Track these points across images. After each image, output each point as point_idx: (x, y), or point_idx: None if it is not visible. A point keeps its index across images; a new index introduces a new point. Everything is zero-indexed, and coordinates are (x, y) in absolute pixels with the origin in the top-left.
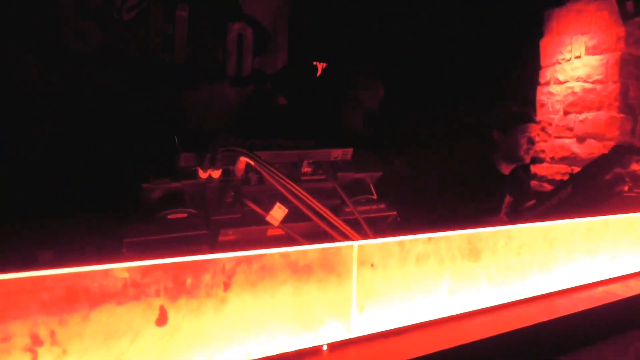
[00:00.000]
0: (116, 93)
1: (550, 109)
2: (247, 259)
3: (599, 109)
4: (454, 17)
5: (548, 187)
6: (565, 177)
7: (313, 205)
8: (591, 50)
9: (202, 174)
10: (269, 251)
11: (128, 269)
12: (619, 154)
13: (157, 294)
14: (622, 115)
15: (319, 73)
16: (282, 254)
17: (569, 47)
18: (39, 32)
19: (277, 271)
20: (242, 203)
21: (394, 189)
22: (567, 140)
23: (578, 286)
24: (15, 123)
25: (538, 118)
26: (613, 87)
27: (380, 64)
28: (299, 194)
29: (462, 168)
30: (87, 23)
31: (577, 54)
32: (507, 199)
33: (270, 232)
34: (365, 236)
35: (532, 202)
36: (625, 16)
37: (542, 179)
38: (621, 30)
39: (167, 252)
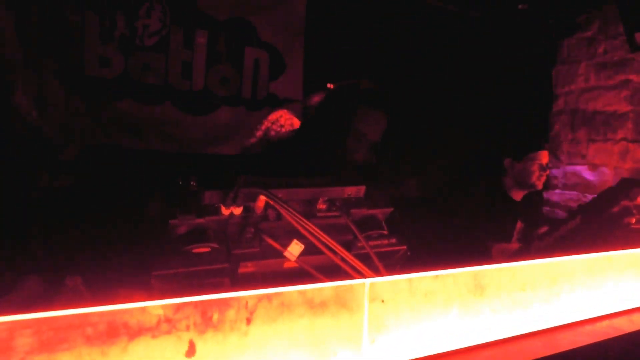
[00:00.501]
0: (136, 119)
1: (563, 136)
2: (268, 296)
3: (612, 136)
4: (468, 45)
5: (560, 213)
6: (577, 204)
7: (327, 242)
8: (602, 79)
9: (225, 211)
10: (288, 289)
11: (162, 306)
12: (626, 187)
13: (187, 328)
14: (635, 143)
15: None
16: (299, 292)
17: (581, 76)
18: (64, 59)
19: (295, 307)
20: (261, 239)
21: (407, 211)
22: (579, 167)
23: (582, 320)
24: (40, 150)
25: (550, 145)
26: (626, 115)
27: (395, 90)
28: (314, 232)
29: (476, 193)
30: (110, 49)
31: (589, 82)
32: (519, 225)
33: (286, 265)
34: (376, 270)
35: (542, 231)
36: (634, 48)
37: (554, 205)
38: (632, 58)
39: (192, 284)
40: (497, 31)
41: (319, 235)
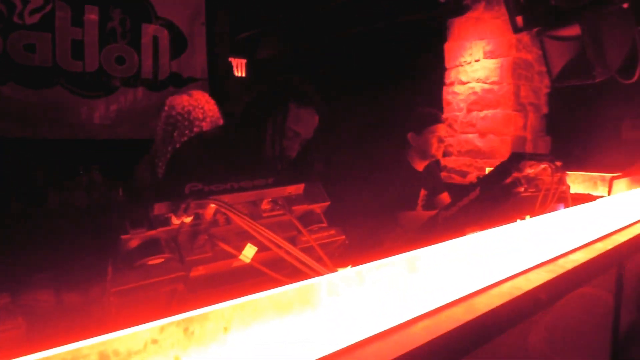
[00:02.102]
0: (22, 104)
1: (456, 107)
2: (242, 305)
3: (496, 107)
4: (369, 29)
5: (456, 177)
6: (470, 169)
7: (278, 242)
8: (488, 55)
9: (175, 221)
10: (259, 296)
11: (149, 330)
12: (516, 160)
13: (172, 346)
14: (516, 112)
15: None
16: (268, 297)
17: (469, 51)
18: None
19: (265, 311)
20: (214, 244)
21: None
22: (470, 136)
23: (491, 284)
24: None
25: (445, 115)
26: (507, 88)
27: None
28: (266, 234)
29: (381, 166)
30: None
31: (477, 57)
32: (423, 192)
33: (235, 264)
34: (322, 262)
35: (442, 196)
36: (516, 29)
37: (451, 170)
38: (513, 37)
39: (149, 295)
40: (395, 13)
41: (270, 237)
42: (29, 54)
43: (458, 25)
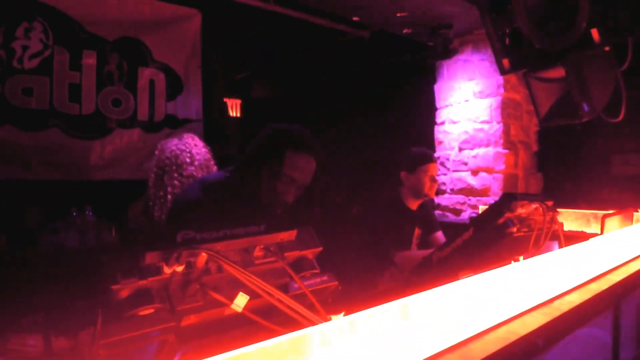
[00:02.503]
0: (17, 146)
1: (447, 146)
2: (236, 357)
3: (487, 145)
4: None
5: (450, 215)
6: (464, 207)
7: (271, 291)
8: (477, 95)
9: (167, 270)
10: (252, 348)
11: None
12: (508, 200)
13: None
14: (507, 150)
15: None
16: (260, 349)
17: (459, 92)
18: None
19: None
20: (205, 293)
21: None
22: (463, 174)
23: (486, 329)
24: None
25: (437, 154)
26: (497, 127)
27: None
28: (258, 284)
29: (375, 205)
30: None
31: (466, 97)
32: (417, 231)
33: (227, 312)
34: (314, 309)
35: (437, 234)
36: (502, 71)
37: (444, 208)
38: (501, 78)
39: (139, 346)
40: (385, 55)
41: (262, 285)
42: (26, 97)
43: (447, 66)
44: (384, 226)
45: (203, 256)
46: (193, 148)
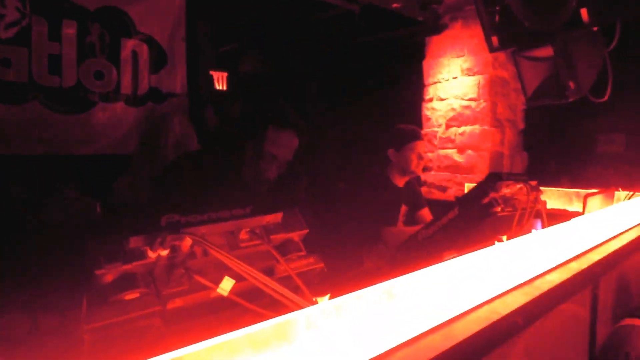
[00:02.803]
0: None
1: (435, 123)
2: (219, 345)
3: (474, 123)
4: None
5: (436, 192)
6: (450, 184)
7: (256, 275)
8: (466, 72)
9: (151, 254)
10: (236, 335)
11: None
12: (492, 180)
13: None
14: (493, 128)
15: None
16: (246, 336)
17: (447, 69)
18: None
19: (242, 350)
20: (190, 277)
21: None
22: (449, 151)
23: (469, 309)
24: None
25: (424, 131)
26: (485, 105)
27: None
28: (243, 267)
29: (362, 182)
30: None
31: (454, 74)
32: (404, 208)
33: (213, 295)
34: (299, 291)
35: (422, 212)
36: (491, 49)
37: (431, 185)
38: (489, 56)
39: (125, 331)
40: (374, 30)
41: (247, 270)
42: (4, 68)
43: (436, 42)
44: (371, 203)
45: (188, 240)
46: (177, 125)
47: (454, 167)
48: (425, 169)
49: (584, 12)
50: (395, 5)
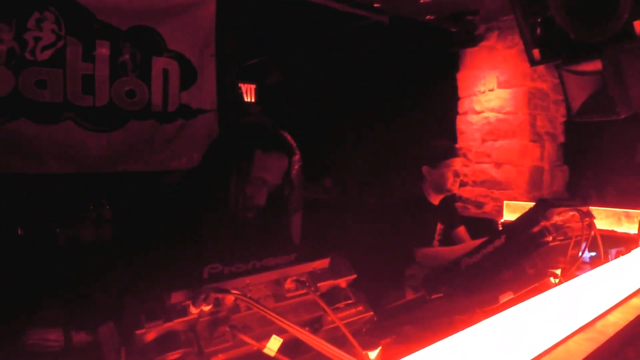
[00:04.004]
0: (32, 139)
1: (470, 137)
2: None
3: (512, 137)
4: (381, 56)
5: (472, 208)
6: (486, 200)
7: (306, 335)
8: (502, 84)
9: (194, 310)
10: None
11: None
12: (543, 207)
13: None
14: (532, 143)
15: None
16: None
17: (483, 81)
18: None
19: None
20: (235, 335)
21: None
22: (486, 166)
23: None
24: None
25: (459, 145)
26: (523, 118)
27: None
28: (291, 326)
29: (396, 200)
30: None
31: (490, 87)
32: (439, 227)
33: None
34: (352, 348)
35: (460, 230)
36: (533, 62)
37: (466, 201)
38: (527, 67)
39: None
40: (405, 41)
41: (297, 329)
42: (40, 89)
43: (471, 54)
44: (406, 222)
45: (230, 297)
46: None
47: (491, 183)
48: (461, 184)
49: (637, 25)
50: (428, 17)
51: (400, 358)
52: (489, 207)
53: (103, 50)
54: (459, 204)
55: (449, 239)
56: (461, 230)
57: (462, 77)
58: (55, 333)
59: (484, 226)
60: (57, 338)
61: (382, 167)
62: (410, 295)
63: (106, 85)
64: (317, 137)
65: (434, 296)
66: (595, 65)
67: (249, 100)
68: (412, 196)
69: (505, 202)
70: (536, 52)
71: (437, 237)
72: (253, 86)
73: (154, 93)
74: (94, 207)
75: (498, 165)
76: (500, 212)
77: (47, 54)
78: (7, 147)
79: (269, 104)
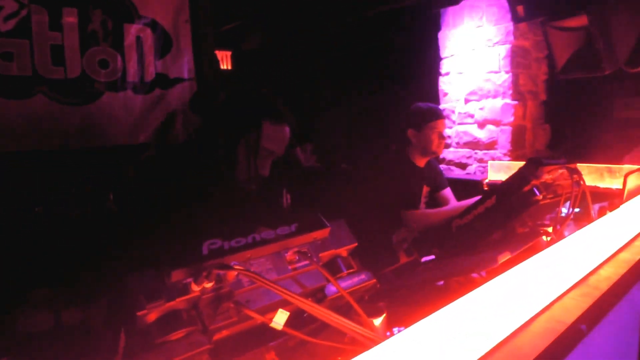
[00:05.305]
0: (3, 116)
1: (452, 98)
2: None
3: (495, 96)
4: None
5: (456, 169)
6: (470, 160)
7: (312, 307)
8: (485, 43)
9: (195, 288)
10: None
11: None
12: (533, 166)
13: None
14: (515, 102)
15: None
16: None
17: (465, 40)
18: None
19: None
20: (240, 311)
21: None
22: (469, 127)
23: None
24: None
25: (441, 106)
26: (506, 77)
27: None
28: (296, 299)
29: (381, 164)
30: None
31: (473, 46)
32: (425, 189)
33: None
34: (356, 315)
35: (443, 192)
36: (517, 19)
37: (450, 162)
38: (510, 24)
39: None
40: (385, 1)
41: (306, 303)
42: (6, 62)
43: (453, 12)
44: (392, 185)
45: (233, 273)
46: None
47: (474, 143)
48: (444, 146)
49: None
50: None
51: (405, 324)
52: (473, 168)
53: (71, 18)
54: (442, 166)
55: (435, 201)
56: (447, 191)
57: (443, 37)
58: (45, 313)
59: (468, 187)
60: (47, 318)
61: (364, 131)
62: (403, 259)
63: (77, 56)
64: (296, 103)
65: (425, 258)
66: (581, 21)
67: (224, 67)
68: (397, 159)
69: (489, 162)
70: (520, 9)
71: (423, 199)
72: (229, 52)
73: (129, 62)
74: (75, 184)
75: (481, 125)
76: (484, 173)
77: (11, 23)
78: None
79: (246, 70)
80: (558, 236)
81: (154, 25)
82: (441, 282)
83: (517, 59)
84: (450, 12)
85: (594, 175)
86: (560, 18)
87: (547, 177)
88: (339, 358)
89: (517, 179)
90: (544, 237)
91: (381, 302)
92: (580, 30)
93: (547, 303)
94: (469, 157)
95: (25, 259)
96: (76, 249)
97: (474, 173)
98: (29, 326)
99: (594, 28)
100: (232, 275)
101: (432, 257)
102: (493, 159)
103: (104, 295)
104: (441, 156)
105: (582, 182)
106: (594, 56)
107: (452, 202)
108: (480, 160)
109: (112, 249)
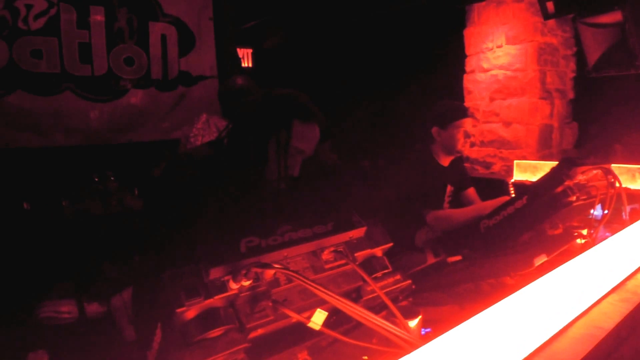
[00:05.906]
0: (31, 112)
1: (477, 96)
2: None
3: (521, 95)
4: (383, 15)
5: (480, 169)
6: (495, 160)
7: (351, 307)
8: (511, 40)
9: (234, 285)
10: None
11: None
12: (567, 166)
13: None
14: (542, 100)
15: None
16: None
17: (491, 37)
18: None
19: None
20: (277, 309)
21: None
22: (494, 125)
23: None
24: None
25: (466, 104)
26: (533, 75)
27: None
28: (335, 298)
29: (405, 162)
30: None
31: (499, 43)
32: (449, 188)
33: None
34: (392, 316)
35: (469, 191)
36: (546, 15)
37: (474, 161)
38: (537, 21)
39: None
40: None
41: (340, 301)
42: (36, 60)
43: (478, 10)
44: (415, 184)
45: (270, 272)
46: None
47: (499, 142)
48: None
49: None
50: None
51: (434, 326)
52: (497, 167)
53: (98, 16)
54: (466, 165)
55: (458, 201)
56: (471, 191)
57: (469, 34)
58: (68, 305)
59: (492, 187)
60: (70, 310)
61: (386, 129)
62: (431, 260)
63: (104, 53)
64: (318, 101)
65: (452, 259)
66: (615, 17)
67: (245, 65)
68: (420, 158)
69: (515, 161)
70: (550, 5)
71: (447, 199)
72: (250, 50)
73: (153, 60)
74: (100, 180)
75: (507, 124)
76: (509, 172)
77: (41, 22)
78: (6, 121)
79: (267, 68)
80: (592, 239)
81: (177, 22)
82: (469, 283)
83: (545, 57)
84: (476, 9)
85: (626, 177)
86: (593, 14)
87: (580, 177)
88: (365, 357)
89: (550, 179)
90: (578, 240)
91: (404, 302)
92: (613, 27)
93: (585, 308)
94: (493, 157)
95: (48, 252)
96: (99, 244)
97: (498, 172)
98: (52, 318)
99: (629, 24)
100: (269, 274)
101: (459, 257)
102: (518, 159)
103: (125, 289)
104: (465, 155)
105: (618, 184)
106: (628, 53)
107: (476, 202)
108: (505, 160)
109: (137, 245)
